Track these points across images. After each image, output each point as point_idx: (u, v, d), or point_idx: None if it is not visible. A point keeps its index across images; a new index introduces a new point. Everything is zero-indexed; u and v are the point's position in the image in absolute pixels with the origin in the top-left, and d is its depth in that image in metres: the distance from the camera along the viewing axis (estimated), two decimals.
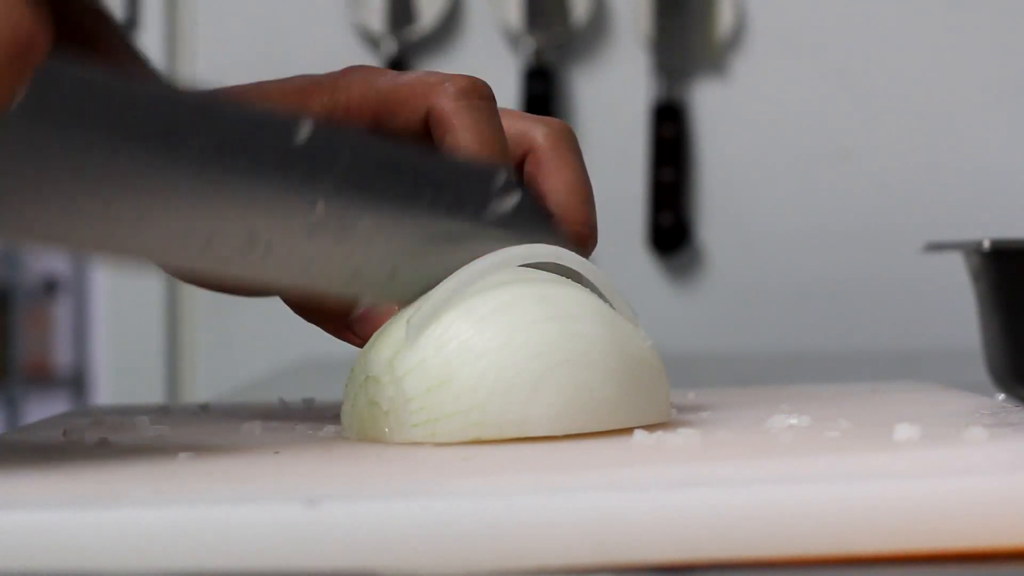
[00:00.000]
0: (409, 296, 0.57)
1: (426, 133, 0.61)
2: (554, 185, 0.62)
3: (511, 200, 0.59)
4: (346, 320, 0.60)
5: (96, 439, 0.57)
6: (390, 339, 0.56)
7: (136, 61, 0.73)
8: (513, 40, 1.53)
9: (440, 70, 0.64)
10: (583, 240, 0.61)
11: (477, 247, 0.57)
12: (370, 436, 0.55)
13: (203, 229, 0.52)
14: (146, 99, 0.51)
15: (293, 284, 0.56)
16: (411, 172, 0.57)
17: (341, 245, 0.55)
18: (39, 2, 0.48)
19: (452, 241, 0.57)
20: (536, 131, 0.63)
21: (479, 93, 0.61)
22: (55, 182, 0.48)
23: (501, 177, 0.59)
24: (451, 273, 0.56)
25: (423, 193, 0.57)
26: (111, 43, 0.72)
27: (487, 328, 0.54)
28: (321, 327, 0.61)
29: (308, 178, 0.54)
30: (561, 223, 0.61)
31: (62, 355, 3.87)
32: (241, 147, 0.53)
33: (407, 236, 0.56)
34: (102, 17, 0.73)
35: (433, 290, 0.56)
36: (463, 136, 0.60)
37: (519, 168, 0.63)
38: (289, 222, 0.53)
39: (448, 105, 0.60)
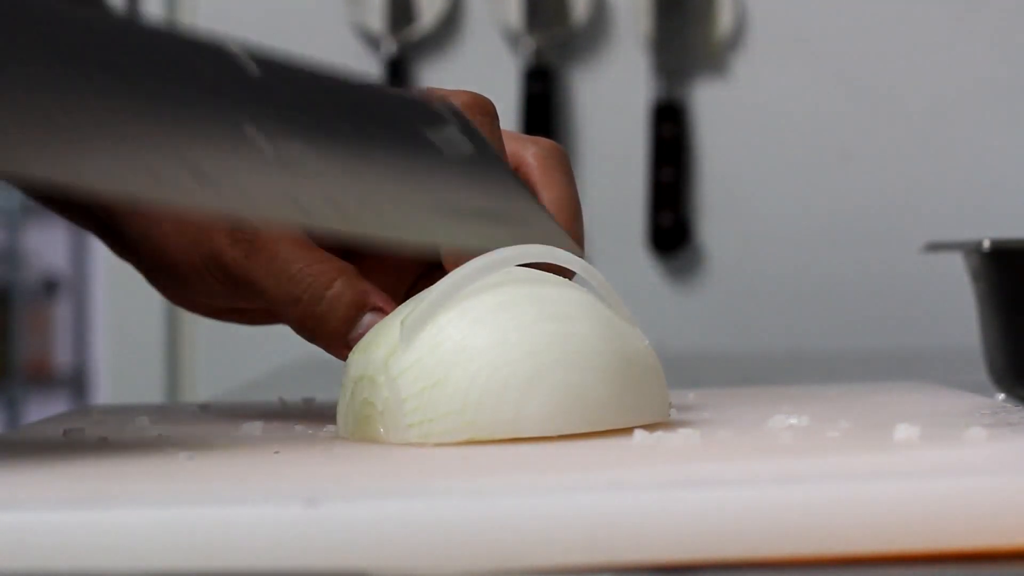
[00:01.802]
0: (360, 231, 0.57)
1: None
2: (542, 203, 0.62)
3: (458, 143, 0.59)
4: (344, 339, 0.61)
5: (96, 439, 0.57)
6: (385, 339, 0.56)
7: None
8: (513, 40, 1.53)
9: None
10: None
11: (423, 183, 0.57)
12: (365, 436, 0.55)
13: (143, 154, 0.51)
14: (95, 28, 0.51)
15: (240, 214, 0.56)
16: (354, 106, 0.58)
17: (282, 175, 0.54)
18: None
19: (398, 177, 0.57)
20: (526, 151, 0.64)
21: (481, 109, 0.62)
22: None
23: (448, 117, 0.59)
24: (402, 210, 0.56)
25: (364, 126, 0.57)
26: None
27: (482, 328, 0.54)
28: (319, 345, 0.62)
29: (244, 106, 0.54)
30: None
31: (62, 355, 3.87)
32: (182, 75, 0.53)
33: (348, 169, 0.56)
34: None
35: (428, 290, 0.56)
36: None
37: None
38: (227, 150, 0.53)
39: None
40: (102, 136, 0.50)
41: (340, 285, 0.61)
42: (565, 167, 0.64)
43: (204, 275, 0.64)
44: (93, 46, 0.50)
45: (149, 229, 0.65)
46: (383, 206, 0.56)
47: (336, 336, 0.60)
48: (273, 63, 0.56)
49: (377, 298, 0.61)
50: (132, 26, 0.53)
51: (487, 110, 0.62)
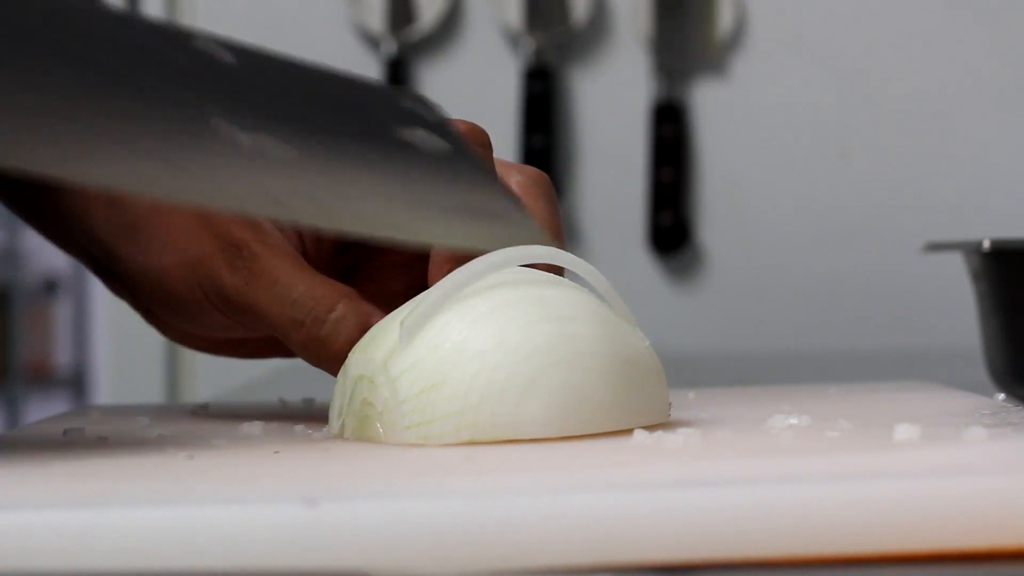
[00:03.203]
0: (343, 225, 0.56)
1: None
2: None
3: (423, 130, 0.59)
4: None
5: (96, 439, 0.57)
6: (384, 340, 0.56)
7: None
8: (513, 40, 1.53)
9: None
10: None
11: (400, 178, 0.57)
12: (364, 436, 0.55)
13: (108, 140, 0.50)
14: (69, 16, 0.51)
15: (214, 204, 0.56)
16: (319, 96, 0.58)
17: (256, 167, 0.54)
18: None
19: (368, 167, 0.57)
20: (510, 178, 0.64)
21: (476, 139, 0.62)
22: None
23: (409, 102, 0.59)
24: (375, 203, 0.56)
25: (330, 116, 0.57)
26: None
27: (481, 329, 0.54)
28: (323, 368, 0.62)
29: (218, 96, 0.54)
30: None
31: (62, 355, 3.87)
32: (153, 62, 0.53)
33: (320, 161, 0.56)
34: None
35: (428, 291, 0.56)
36: None
37: None
38: (199, 139, 0.53)
39: None
40: (66, 121, 0.49)
41: (343, 308, 0.61)
42: (548, 194, 0.64)
43: (204, 305, 0.64)
44: (67, 34, 0.50)
45: (148, 262, 0.64)
46: (360, 201, 0.56)
47: (340, 359, 0.60)
48: (249, 53, 0.56)
49: (380, 319, 0.61)
50: (105, 15, 0.53)
51: (481, 140, 0.62)
